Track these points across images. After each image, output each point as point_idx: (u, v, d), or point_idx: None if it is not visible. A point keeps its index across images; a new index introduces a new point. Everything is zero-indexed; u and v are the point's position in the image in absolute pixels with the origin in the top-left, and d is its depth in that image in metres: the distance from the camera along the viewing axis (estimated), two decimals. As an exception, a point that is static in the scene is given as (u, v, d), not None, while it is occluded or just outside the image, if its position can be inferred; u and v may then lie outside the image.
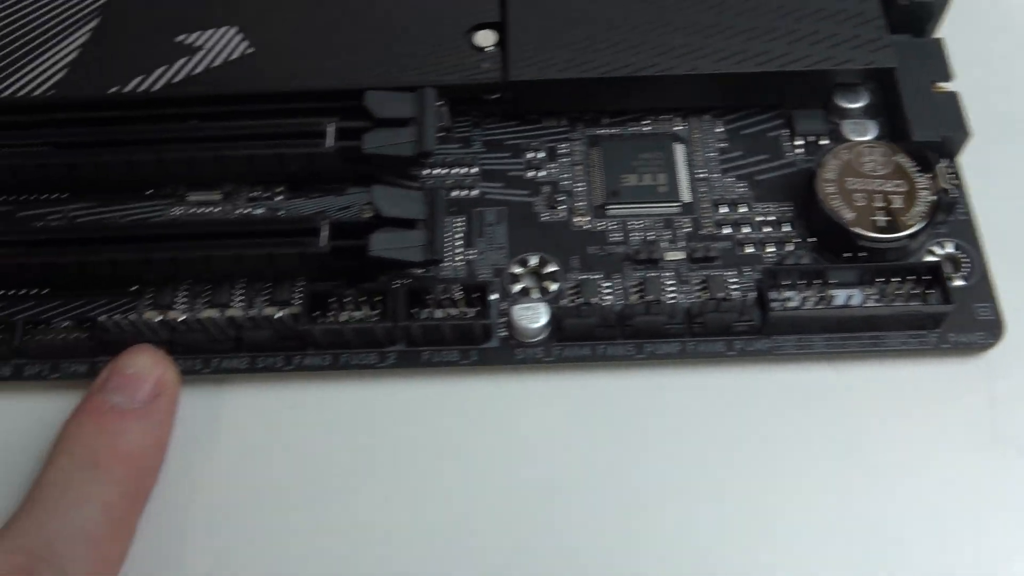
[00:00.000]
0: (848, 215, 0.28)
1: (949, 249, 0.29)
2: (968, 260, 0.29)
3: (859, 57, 0.30)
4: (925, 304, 0.27)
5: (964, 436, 0.27)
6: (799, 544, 0.26)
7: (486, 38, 0.31)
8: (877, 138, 0.31)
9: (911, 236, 0.28)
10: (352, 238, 0.28)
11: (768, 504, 0.27)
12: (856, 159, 0.29)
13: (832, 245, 0.29)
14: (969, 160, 0.30)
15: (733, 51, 0.30)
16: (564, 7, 0.31)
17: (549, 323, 0.28)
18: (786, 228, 0.30)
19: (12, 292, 0.30)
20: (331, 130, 0.30)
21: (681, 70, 0.30)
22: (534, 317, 0.28)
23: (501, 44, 0.31)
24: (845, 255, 0.28)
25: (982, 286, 0.28)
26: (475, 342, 0.28)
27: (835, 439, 0.27)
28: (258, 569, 0.26)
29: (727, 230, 0.30)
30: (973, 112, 0.30)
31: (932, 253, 0.29)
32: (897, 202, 0.28)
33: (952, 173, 0.29)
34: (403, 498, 0.27)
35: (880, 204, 0.28)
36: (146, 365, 0.27)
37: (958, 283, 0.29)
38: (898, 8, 0.31)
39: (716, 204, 0.30)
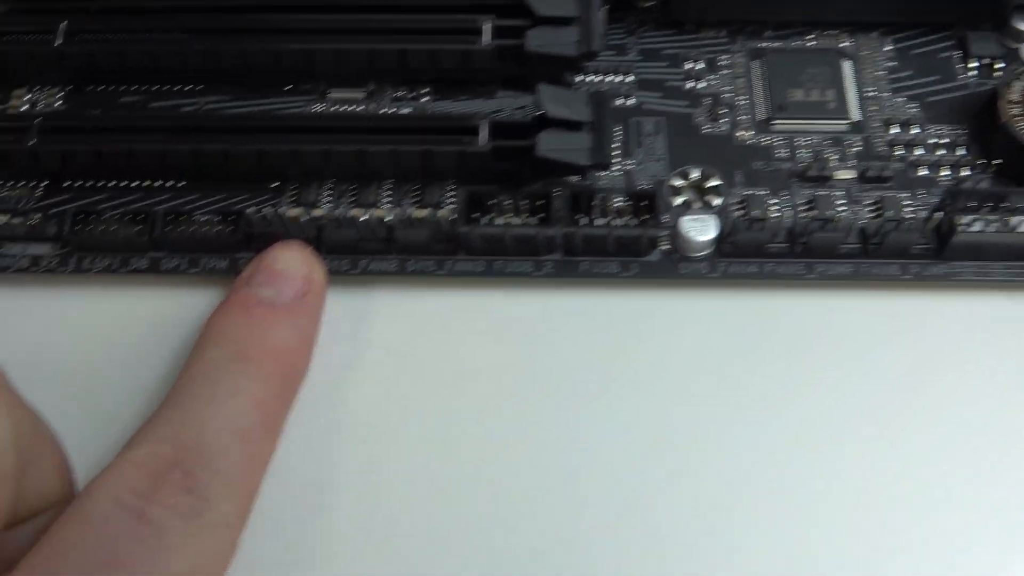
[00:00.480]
0: (1035, 138, 0.27)
1: None
2: None
3: (1045, -24, 0.29)
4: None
5: None
6: (964, 477, 0.25)
7: (652, -61, 0.30)
8: (1064, 62, 0.29)
9: (1099, 162, 0.27)
10: (512, 138, 0.27)
11: (937, 436, 0.25)
12: (1043, 82, 0.28)
13: (1016, 170, 0.28)
14: None
15: (914, -37, 0.29)
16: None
17: (717, 237, 0.27)
18: (960, 152, 0.29)
19: (148, 183, 0.29)
20: (488, 27, 0.29)
21: (860, -20, 0.29)
22: (703, 229, 0.27)
23: (668, -54, 0.30)
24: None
25: None
26: (638, 254, 0.27)
27: (1008, 371, 0.26)
28: (400, 476, 0.25)
29: (899, 151, 0.28)
30: None
31: (1116, 182, 0.28)
32: (1085, 127, 0.27)
33: None
34: (552, 411, 0.26)
35: (1068, 129, 0.27)
36: (295, 261, 0.26)
37: None
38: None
39: (887, 123, 0.29)
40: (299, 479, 0.25)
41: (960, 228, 0.26)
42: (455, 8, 0.29)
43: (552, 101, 0.27)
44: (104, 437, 0.25)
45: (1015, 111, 0.27)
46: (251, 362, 0.24)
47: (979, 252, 0.27)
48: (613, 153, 0.29)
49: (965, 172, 0.28)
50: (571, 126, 0.27)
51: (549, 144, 0.27)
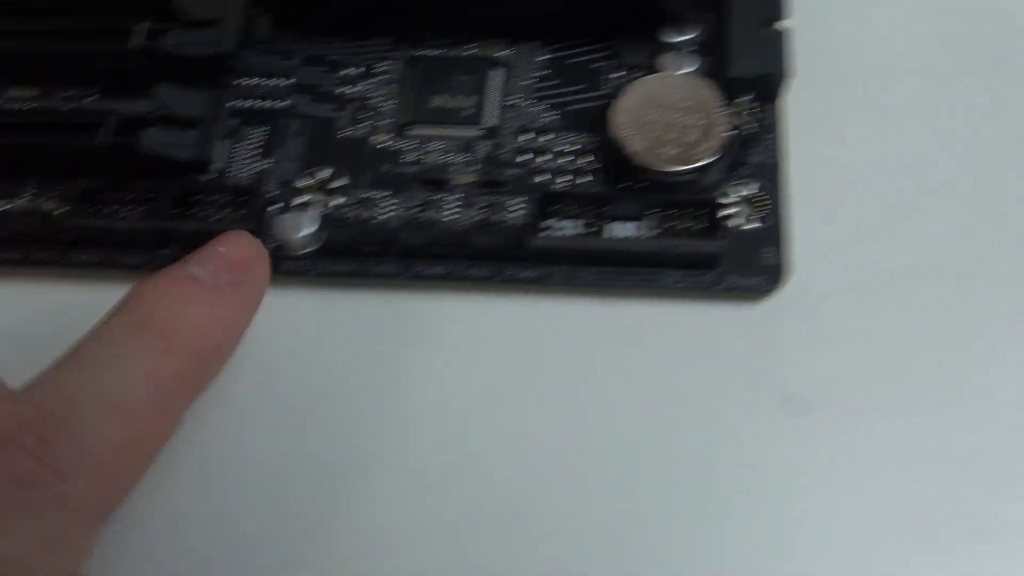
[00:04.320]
0: (635, 146, 0.27)
1: (752, 190, 0.27)
2: (768, 202, 0.27)
3: (685, -15, 0.28)
4: (695, 240, 0.26)
5: (737, 383, 0.26)
6: (569, 480, 0.25)
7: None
8: (695, 72, 0.29)
9: (699, 170, 0.26)
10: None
11: (534, 429, 0.26)
12: (664, 90, 0.28)
13: (621, 177, 0.27)
14: (795, 102, 0.29)
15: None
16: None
17: (316, 234, 0.27)
18: (589, 159, 0.28)
19: None
20: (141, 29, 0.29)
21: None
22: (295, 226, 0.27)
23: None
24: (628, 185, 0.27)
25: (772, 230, 0.27)
26: (243, 250, 0.27)
27: (601, 376, 0.26)
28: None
29: (525, 157, 0.28)
30: (807, 53, 0.28)
31: (730, 194, 0.27)
32: (693, 136, 0.27)
33: (756, 109, 0.28)
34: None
35: (673, 136, 0.27)
36: (238, 248, 0.24)
37: (753, 225, 0.27)
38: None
39: (521, 130, 0.29)
40: None
41: (542, 232, 0.26)
42: (115, 11, 0.30)
43: (171, 98, 0.28)
44: None
45: (624, 118, 0.27)
46: (156, 333, 0.21)
47: (566, 256, 0.26)
48: (254, 155, 0.29)
49: (587, 179, 0.28)
50: (188, 123, 0.28)
51: (152, 139, 0.27)
